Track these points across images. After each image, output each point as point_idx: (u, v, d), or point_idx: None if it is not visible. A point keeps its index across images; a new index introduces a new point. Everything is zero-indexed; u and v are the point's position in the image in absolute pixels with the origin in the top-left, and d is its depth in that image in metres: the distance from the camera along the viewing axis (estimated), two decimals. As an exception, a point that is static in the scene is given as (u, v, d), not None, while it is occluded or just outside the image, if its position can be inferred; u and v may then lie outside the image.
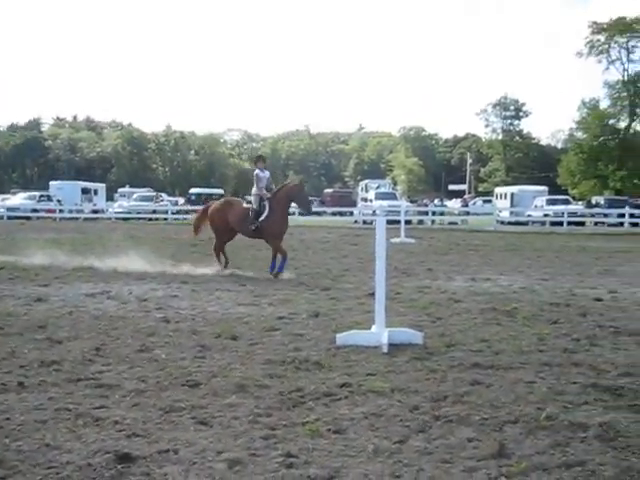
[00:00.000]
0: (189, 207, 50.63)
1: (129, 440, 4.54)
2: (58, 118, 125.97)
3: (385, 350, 7.03)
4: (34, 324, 8.32)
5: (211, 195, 58.93)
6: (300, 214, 14.61)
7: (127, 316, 9.05)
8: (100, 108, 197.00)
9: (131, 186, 71.15)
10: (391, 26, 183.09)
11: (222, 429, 4.79)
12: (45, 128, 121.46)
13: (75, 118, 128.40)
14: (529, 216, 43.39)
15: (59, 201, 47.07)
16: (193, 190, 63.05)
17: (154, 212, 46.06)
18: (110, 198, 62.13)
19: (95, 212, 47.85)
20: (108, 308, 9.66)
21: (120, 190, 68.18)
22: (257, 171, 14.02)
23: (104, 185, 60.30)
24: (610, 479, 4.00)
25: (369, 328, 7.63)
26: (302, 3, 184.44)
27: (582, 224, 39.89)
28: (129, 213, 45.08)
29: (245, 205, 14.30)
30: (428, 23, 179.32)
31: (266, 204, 13.66)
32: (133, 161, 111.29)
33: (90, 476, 3.95)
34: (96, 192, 54.99)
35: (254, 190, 13.86)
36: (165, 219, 43.86)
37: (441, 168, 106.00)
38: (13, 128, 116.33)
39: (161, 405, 5.26)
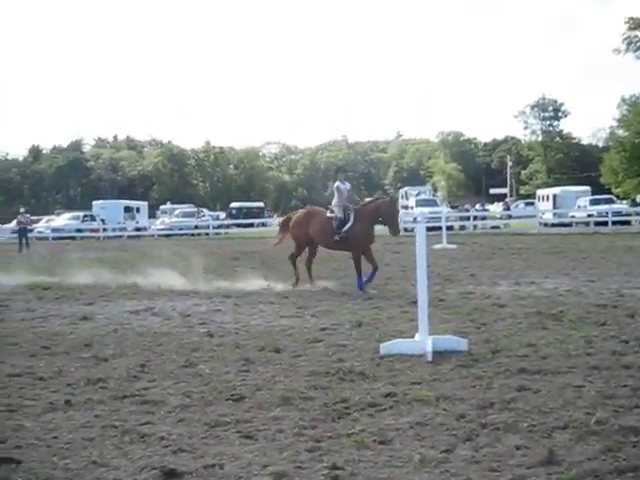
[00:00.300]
0: (230, 221, 51.14)
1: (175, 456, 4.56)
2: (99, 139, 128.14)
3: (429, 358, 6.96)
4: (80, 342, 8.44)
5: (251, 209, 59.48)
6: (390, 234, 13.70)
7: (171, 332, 9.12)
8: (140, 127, 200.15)
9: (172, 203, 71.88)
10: (427, 31, 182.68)
11: (267, 442, 4.77)
12: (87, 149, 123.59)
13: (116, 138, 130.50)
14: (572, 217, 42.79)
15: (103, 220, 47.83)
16: (234, 204, 63.68)
17: (196, 227, 46.54)
18: (152, 215, 62.86)
19: (138, 230, 48.56)
20: (152, 324, 9.76)
21: (162, 207, 68.95)
22: (337, 183, 13.56)
23: (146, 203, 61.15)
24: (665, 485, 3.89)
25: (413, 336, 7.57)
26: (336, 15, 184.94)
27: (627, 223, 39.16)
28: (171, 230, 45.65)
29: (328, 215, 13.49)
30: (464, 27, 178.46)
31: (351, 214, 13.09)
32: (174, 178, 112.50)
33: (137, 493, 3.96)
34: (138, 210, 55.74)
35: (335, 202, 13.40)
36: (207, 234, 44.27)
37: (481, 172, 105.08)
38: (56, 150, 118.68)
39: (206, 420, 5.27)
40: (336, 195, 13.47)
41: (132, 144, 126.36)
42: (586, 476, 4.04)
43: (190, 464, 4.39)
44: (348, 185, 13.75)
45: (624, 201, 52.01)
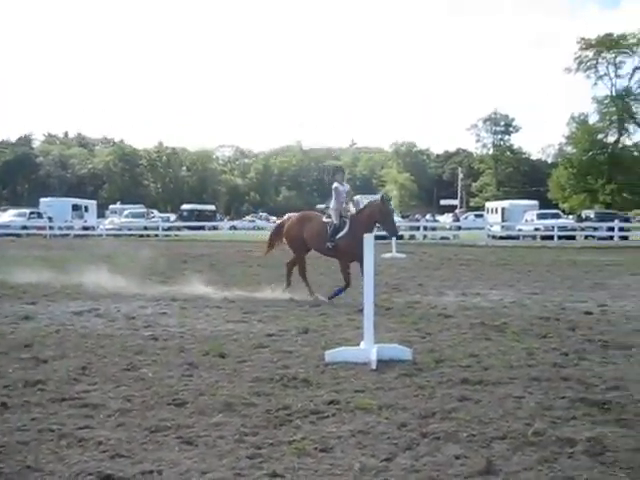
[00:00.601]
0: (181, 223, 50.68)
1: (112, 461, 4.48)
2: (49, 134, 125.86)
3: (374, 367, 6.99)
4: (20, 343, 8.25)
5: (203, 211, 59.02)
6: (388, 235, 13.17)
7: (114, 334, 8.98)
8: (91, 125, 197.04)
9: (122, 203, 70.98)
10: (382, 42, 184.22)
11: (207, 449, 4.73)
12: (36, 144, 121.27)
13: (66, 134, 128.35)
14: (520, 230, 43.52)
15: (50, 218, 46.92)
16: (185, 206, 63.05)
17: (145, 228, 45.97)
18: (101, 215, 61.95)
19: (86, 229, 47.69)
20: (95, 326, 9.59)
21: (111, 207, 68.01)
22: (336, 184, 12.69)
23: (95, 202, 60.23)
24: (598, 496, 3.97)
25: (358, 344, 7.59)
26: (292, 22, 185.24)
27: (572, 238, 39.98)
28: (120, 230, 44.99)
29: (325, 220, 12.81)
30: (418, 40, 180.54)
31: (346, 221, 12.35)
32: (124, 177, 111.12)
33: (71, 498, 3.88)
34: (87, 209, 54.91)
35: (332, 205, 12.55)
36: (156, 235, 43.76)
37: (433, 183, 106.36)
38: (4, 144, 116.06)
39: (146, 425, 5.20)
40: (334, 197, 12.58)
41: (83, 142, 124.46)
42: (522, 486, 4.10)
43: (128, 470, 4.32)
44: (347, 186, 12.91)
45: (570, 216, 53.18)
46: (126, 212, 53.95)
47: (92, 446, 4.75)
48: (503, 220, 49.72)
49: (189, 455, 4.60)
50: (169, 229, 47.26)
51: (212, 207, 65.40)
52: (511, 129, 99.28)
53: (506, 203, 55.58)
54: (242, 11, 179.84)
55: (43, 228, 44.46)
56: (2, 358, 7.43)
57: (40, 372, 6.81)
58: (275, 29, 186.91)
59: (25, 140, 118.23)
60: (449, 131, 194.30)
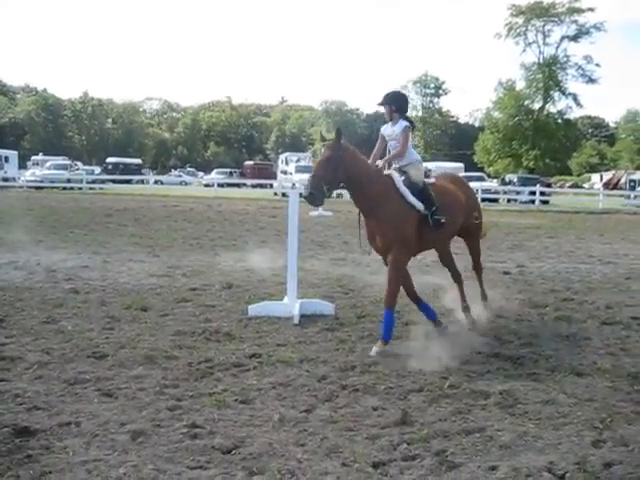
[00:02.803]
0: (106, 177, 49.53)
1: (29, 413, 4.43)
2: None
3: (296, 321, 7.06)
4: None
5: (129, 165, 57.79)
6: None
7: (34, 287, 8.78)
8: (13, 72, 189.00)
9: (45, 154, 68.72)
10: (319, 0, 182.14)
11: (127, 401, 4.72)
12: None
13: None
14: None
15: (-34, 168, 45.17)
16: (110, 159, 61.51)
17: (69, 181, 44.71)
18: (23, 166, 59.88)
19: (6, 180, 46.08)
20: (14, 279, 9.35)
21: (33, 158, 65.79)
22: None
23: (16, 152, 58.00)
24: (506, 444, 4.14)
25: (282, 299, 7.64)
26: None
27: (496, 201, 40.89)
28: (42, 182, 43.63)
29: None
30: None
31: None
32: (48, 128, 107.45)
33: (-15, 450, 3.82)
34: (7, 159, 52.87)
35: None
36: (80, 188, 42.66)
37: (362, 143, 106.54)
38: None
39: (65, 377, 5.15)
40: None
41: (4, 89, 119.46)
42: (436, 436, 4.24)
43: (45, 422, 4.28)
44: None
45: (494, 180, 54.30)
46: (48, 164, 52.29)
47: (8, 398, 4.69)
48: (429, 182, 50.35)
49: (108, 407, 4.58)
50: (93, 182, 46.11)
51: (138, 161, 63.87)
52: (441, 92, 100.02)
53: (432, 165, 56.25)
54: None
55: (-41, 178, 42.79)
56: None
57: (-46, 324, 6.63)
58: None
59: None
60: (379, 91, 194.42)
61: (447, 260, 7.74)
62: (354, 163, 6.47)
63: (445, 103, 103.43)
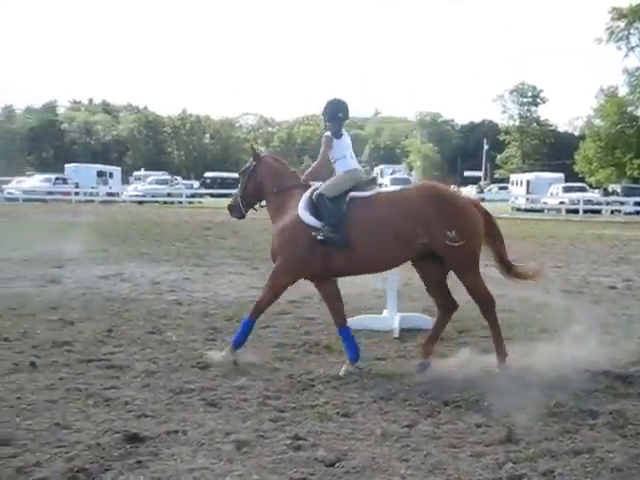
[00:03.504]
0: (204, 190, 50.82)
1: (138, 420, 4.57)
2: (74, 101, 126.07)
3: (396, 335, 7.03)
4: (47, 305, 8.39)
5: (226, 179, 59.06)
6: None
7: (139, 298, 9.10)
8: (116, 91, 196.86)
9: (146, 169, 71.21)
10: (409, 10, 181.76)
11: (231, 411, 4.81)
12: (61, 111, 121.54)
13: (91, 101, 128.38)
14: (545, 203, 43.11)
15: (76, 184, 47.19)
16: (208, 174, 63.12)
17: (169, 195, 46.12)
18: (125, 181, 62.19)
19: (110, 195, 47.97)
20: (121, 290, 9.71)
21: (135, 173, 68.30)
22: None
23: (119, 168, 60.35)
24: (618, 466, 3.98)
25: (381, 313, 7.62)
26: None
27: (598, 212, 39.56)
28: (144, 196, 45.16)
29: None
30: (445, 9, 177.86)
31: None
32: (148, 144, 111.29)
33: (99, 455, 3.97)
34: (111, 175, 55.04)
35: None
36: (180, 202, 43.92)
37: (457, 154, 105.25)
38: (29, 110, 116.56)
39: (171, 386, 5.29)
40: None
41: (108, 108, 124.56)
42: (543, 456, 4.12)
43: (153, 429, 4.41)
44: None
45: (596, 190, 52.53)
46: (150, 179, 54.13)
47: (118, 406, 4.85)
48: (528, 193, 49.23)
49: (213, 417, 4.68)
50: (192, 196, 47.41)
51: (235, 175, 65.35)
52: (538, 100, 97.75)
53: (531, 175, 54.99)
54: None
55: (68, 194, 44.74)
56: (30, 319, 7.57)
57: (67, 333, 6.94)
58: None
59: (50, 106, 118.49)
60: (475, 102, 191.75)
61: None
62: (266, 175, 6.34)
63: (543, 112, 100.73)
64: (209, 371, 5.73)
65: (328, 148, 6.36)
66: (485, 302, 6.29)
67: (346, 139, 6.50)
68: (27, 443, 4.16)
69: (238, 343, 6.02)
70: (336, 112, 6.48)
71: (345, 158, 6.40)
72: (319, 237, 5.88)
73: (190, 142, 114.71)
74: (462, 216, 6.10)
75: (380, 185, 5.54)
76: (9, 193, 43.72)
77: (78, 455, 3.97)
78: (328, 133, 6.41)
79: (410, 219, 5.90)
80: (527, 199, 46.21)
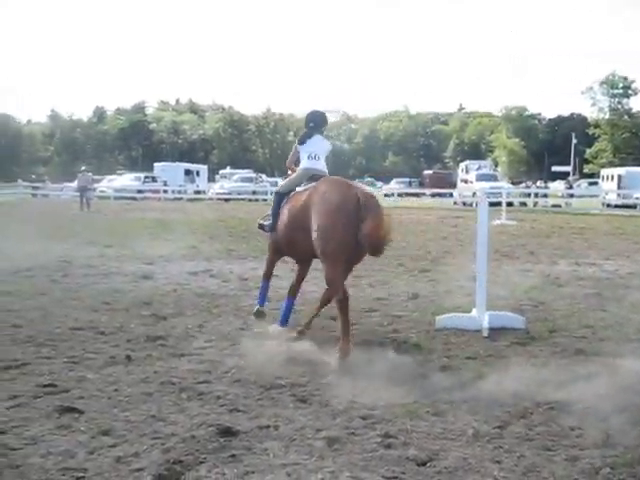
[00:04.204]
0: (288, 188, 51.26)
1: (231, 415, 4.66)
2: (162, 102, 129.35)
3: (486, 334, 6.93)
4: (140, 300, 8.64)
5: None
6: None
7: (228, 294, 9.26)
8: (202, 91, 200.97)
9: (232, 167, 72.45)
10: (492, 4, 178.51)
11: (321, 407, 4.84)
12: (150, 111, 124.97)
13: (178, 101, 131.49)
14: (637, 199, 41.59)
15: (164, 182, 48.45)
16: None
17: (254, 193, 46.77)
18: (212, 179, 63.42)
19: (197, 193, 49.07)
20: (210, 286, 9.91)
21: (221, 171, 69.58)
22: None
23: (206, 167, 61.57)
24: None
25: (469, 311, 7.53)
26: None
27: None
28: (230, 194, 45.97)
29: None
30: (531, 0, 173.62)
31: None
32: (233, 143, 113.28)
33: (194, 448, 4.06)
34: (198, 173, 56.24)
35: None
36: (265, 199, 44.45)
37: (544, 149, 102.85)
38: (119, 111, 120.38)
39: (261, 382, 5.36)
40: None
41: (194, 108, 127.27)
42: (641, 461, 3.99)
43: (246, 424, 4.48)
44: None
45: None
46: (235, 177, 55.04)
47: (211, 400, 4.96)
48: (619, 188, 47.57)
49: (304, 412, 4.72)
50: (277, 193, 47.94)
51: (319, 172, 65.52)
52: (630, 92, 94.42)
53: (623, 170, 53.10)
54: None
55: (157, 192, 46.01)
56: (124, 314, 7.82)
57: (160, 328, 7.13)
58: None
59: (139, 107, 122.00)
60: (562, 95, 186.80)
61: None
62: None
63: (635, 104, 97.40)
64: (299, 367, 5.78)
65: (292, 153, 7.70)
66: (331, 291, 6.44)
67: (311, 144, 7.33)
68: (125, 434, 4.30)
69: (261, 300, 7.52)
70: (308, 122, 7.55)
71: (304, 160, 7.32)
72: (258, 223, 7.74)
73: (274, 140, 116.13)
74: (318, 210, 6.33)
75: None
76: (101, 191, 45.23)
77: (174, 447, 4.08)
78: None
79: (304, 212, 6.53)
80: (618, 194, 44.68)
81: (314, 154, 7.28)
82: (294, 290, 7.50)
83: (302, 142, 7.38)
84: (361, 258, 6.55)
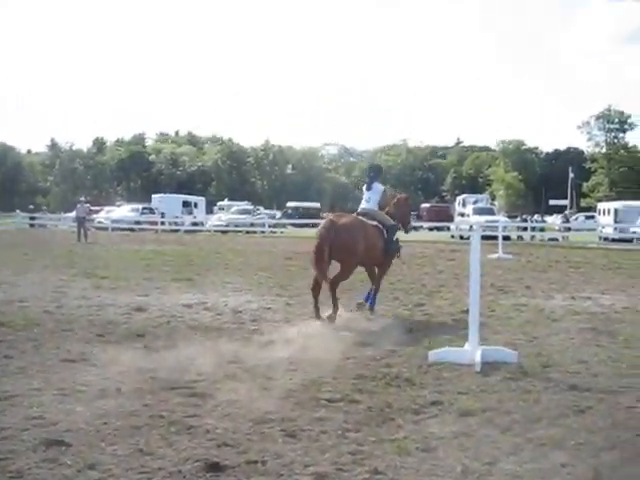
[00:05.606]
0: (286, 220, 51.43)
1: (219, 449, 4.62)
2: (161, 133, 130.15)
3: (478, 369, 6.90)
4: (133, 332, 8.62)
5: (308, 209, 59.65)
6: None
7: (222, 327, 9.23)
8: (201, 123, 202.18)
9: (230, 199, 72.66)
10: (490, 38, 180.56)
11: (310, 442, 4.81)
12: (149, 143, 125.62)
13: (177, 133, 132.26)
14: (634, 233, 41.68)
15: (162, 214, 48.55)
16: (290, 204, 63.93)
17: (252, 225, 46.87)
18: (210, 211, 63.59)
19: (195, 224, 49.15)
20: (204, 319, 9.89)
21: (219, 203, 69.74)
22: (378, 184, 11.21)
23: (204, 198, 61.80)
24: None
25: (462, 346, 7.51)
26: (394, 22, 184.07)
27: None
28: (227, 226, 46.05)
29: (373, 223, 10.59)
30: (526, 35, 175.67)
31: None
32: (232, 175, 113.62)
33: (180, 483, 4.03)
34: (196, 205, 56.41)
35: (377, 205, 10.95)
36: (262, 232, 44.57)
37: (541, 182, 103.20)
38: (119, 143, 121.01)
39: (251, 416, 5.33)
40: (380, 197, 10.96)
41: (193, 140, 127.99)
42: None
43: (234, 458, 4.45)
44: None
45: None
46: (233, 209, 55.18)
47: (200, 434, 4.92)
48: (616, 221, 47.75)
49: (293, 448, 4.68)
50: (275, 226, 48.04)
51: (317, 205, 65.99)
52: (626, 126, 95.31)
53: (619, 204, 53.30)
54: (345, 9, 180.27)
55: (155, 223, 46.09)
56: (116, 347, 7.78)
57: (152, 361, 7.09)
58: (376, 27, 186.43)
59: (138, 139, 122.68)
60: (559, 129, 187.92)
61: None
62: None
63: (631, 138, 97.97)
64: (288, 401, 5.76)
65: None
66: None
67: (369, 190, 11.00)
68: (111, 468, 4.27)
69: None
70: (368, 172, 11.53)
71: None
72: None
73: (272, 172, 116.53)
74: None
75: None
76: (99, 222, 45.31)
77: (160, 482, 4.05)
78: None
79: None
80: (615, 228, 44.82)
81: (367, 197, 10.97)
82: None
83: (368, 188, 11.01)
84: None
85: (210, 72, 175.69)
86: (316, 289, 9.81)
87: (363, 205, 10.83)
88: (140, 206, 51.31)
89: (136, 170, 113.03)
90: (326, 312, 9.54)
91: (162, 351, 7.59)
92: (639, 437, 4.95)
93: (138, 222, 46.36)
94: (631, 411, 5.63)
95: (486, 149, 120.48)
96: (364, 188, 11.12)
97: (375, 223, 10.54)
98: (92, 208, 45.53)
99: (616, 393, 6.16)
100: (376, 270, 10.87)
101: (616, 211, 50.15)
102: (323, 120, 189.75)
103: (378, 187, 10.94)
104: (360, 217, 10.46)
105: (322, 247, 9.64)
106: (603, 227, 46.13)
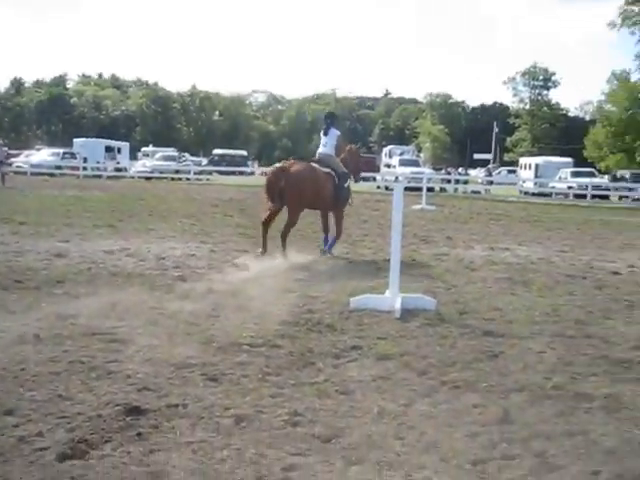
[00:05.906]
0: (212, 168, 50.83)
1: (140, 394, 4.63)
2: (84, 75, 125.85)
3: (398, 315, 7.07)
4: (53, 279, 8.44)
5: (234, 157, 58.98)
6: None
7: (144, 274, 9.15)
8: (126, 66, 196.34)
9: (155, 145, 71.17)
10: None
11: (231, 386, 4.86)
12: (70, 85, 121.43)
13: (100, 76, 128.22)
14: (553, 188, 42.99)
15: (85, 159, 47.20)
16: (216, 151, 63.07)
17: (177, 172, 46.18)
18: (134, 157, 62.17)
19: (118, 170, 47.96)
20: (126, 265, 9.77)
21: (144, 149, 68.19)
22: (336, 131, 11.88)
23: (128, 144, 60.25)
24: (611, 449, 4.03)
25: (383, 293, 7.67)
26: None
27: (606, 197, 39.47)
28: (152, 172, 45.22)
29: (325, 170, 11.38)
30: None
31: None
32: (157, 120, 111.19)
33: (99, 427, 4.03)
34: (120, 150, 55.00)
35: (333, 152, 11.73)
36: (188, 179, 43.98)
37: (467, 136, 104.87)
38: (38, 84, 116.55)
39: (172, 361, 5.34)
40: (335, 144, 11.73)
41: (117, 83, 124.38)
42: (537, 437, 4.17)
43: (154, 402, 4.46)
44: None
45: (605, 175, 52.28)
46: (158, 155, 54.09)
47: (120, 379, 4.91)
48: (536, 176, 49.09)
49: (213, 391, 4.73)
50: (200, 173, 47.44)
51: (244, 153, 65.24)
52: (550, 84, 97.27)
53: (540, 159, 54.80)
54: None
55: (76, 168, 44.80)
56: (35, 293, 7.63)
57: (72, 307, 6.98)
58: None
59: (60, 80, 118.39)
60: (485, 84, 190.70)
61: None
62: None
63: (554, 95, 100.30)
64: (210, 346, 5.79)
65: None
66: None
67: (326, 135, 11.75)
68: (30, 413, 4.22)
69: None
70: (325, 119, 12.25)
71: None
72: None
73: (199, 119, 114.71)
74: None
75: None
76: (18, 166, 43.80)
77: (79, 426, 4.03)
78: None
79: None
80: (535, 183, 46.07)
81: (323, 142, 11.73)
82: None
83: (325, 133, 11.73)
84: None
85: (136, 9, 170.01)
86: (267, 223, 10.89)
87: (320, 150, 11.72)
88: (61, 150, 49.73)
89: (57, 113, 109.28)
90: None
91: (82, 298, 7.47)
92: (547, 380, 5.18)
93: (59, 167, 44.99)
94: (541, 356, 5.89)
95: (414, 101, 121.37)
96: (321, 134, 11.88)
97: (328, 170, 11.43)
98: (10, 152, 43.89)
99: (527, 339, 6.43)
100: (332, 219, 11.95)
101: (537, 166, 51.57)
102: (251, 67, 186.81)
103: (334, 132, 11.72)
104: (313, 164, 11.33)
105: (271, 188, 10.80)
106: (524, 181, 47.37)
